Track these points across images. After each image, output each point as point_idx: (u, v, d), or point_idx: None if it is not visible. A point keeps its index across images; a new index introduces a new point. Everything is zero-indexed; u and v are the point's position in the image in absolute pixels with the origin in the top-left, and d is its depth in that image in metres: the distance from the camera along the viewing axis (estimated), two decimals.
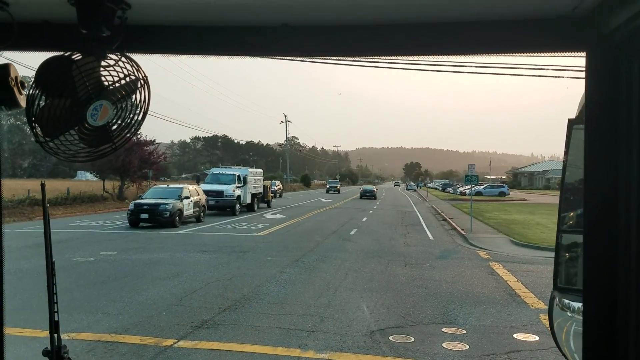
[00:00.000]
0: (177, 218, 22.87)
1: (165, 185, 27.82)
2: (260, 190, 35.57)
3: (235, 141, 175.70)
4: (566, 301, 2.03)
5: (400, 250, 17.40)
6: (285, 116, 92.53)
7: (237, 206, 30.32)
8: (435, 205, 45.60)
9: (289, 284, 11.30)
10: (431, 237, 21.68)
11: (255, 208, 33.82)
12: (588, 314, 1.36)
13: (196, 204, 25.20)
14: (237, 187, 30.61)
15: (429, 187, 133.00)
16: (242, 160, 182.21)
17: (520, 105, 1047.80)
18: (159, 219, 22.12)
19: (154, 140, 40.85)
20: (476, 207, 42.61)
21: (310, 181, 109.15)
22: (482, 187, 66.40)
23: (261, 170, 38.01)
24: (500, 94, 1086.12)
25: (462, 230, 23.67)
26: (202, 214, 26.01)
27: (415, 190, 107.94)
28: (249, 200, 32.54)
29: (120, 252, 15.34)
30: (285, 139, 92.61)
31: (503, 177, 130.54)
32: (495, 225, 25.88)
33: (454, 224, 27.18)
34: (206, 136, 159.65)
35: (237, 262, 13.99)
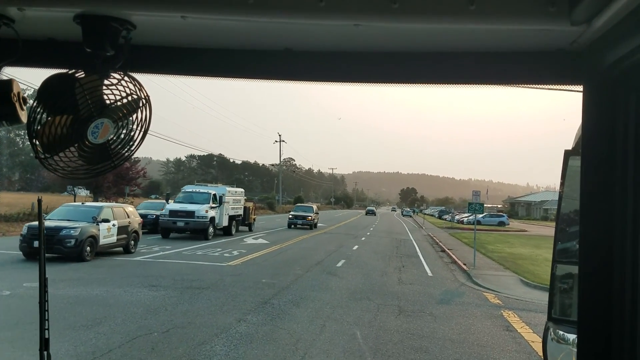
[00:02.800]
0: (88, 248, 16.93)
1: (79, 203, 22.08)
2: (240, 212, 32.06)
3: (231, 160, 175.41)
4: (561, 332, 1.98)
5: (394, 289, 14.62)
6: (280, 135, 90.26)
7: (211, 229, 26.72)
8: (433, 234, 42.87)
9: (243, 341, 8.47)
10: (430, 273, 18.88)
11: (233, 231, 30.38)
12: (583, 345, 1.37)
13: (123, 229, 18.94)
14: (212, 208, 27.20)
15: (425, 214, 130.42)
16: (236, 179, 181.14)
17: (517, 136, 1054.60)
18: (59, 248, 16.11)
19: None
20: (476, 237, 39.89)
21: (303, 203, 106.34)
22: (481, 216, 63.55)
23: (242, 189, 34.48)
24: (497, 124, 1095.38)
25: (464, 265, 20.90)
26: (132, 242, 19.56)
27: (410, 216, 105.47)
28: (225, 223, 29.08)
29: (49, 284, 12.49)
30: (279, 159, 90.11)
31: (499, 205, 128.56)
32: (500, 260, 23.14)
33: (454, 256, 24.41)
34: (202, 155, 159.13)
35: (188, 304, 11.15)
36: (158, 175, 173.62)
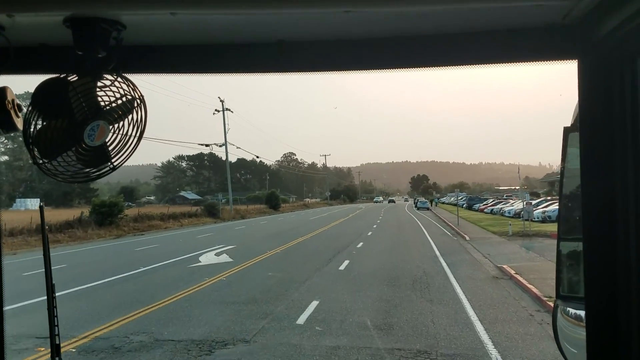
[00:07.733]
0: None
1: None
2: None
3: (223, 159, 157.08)
4: (569, 309, 2.02)
5: None
6: (222, 102, 62.22)
7: None
8: (519, 271, 17.76)
9: None
10: None
11: None
12: (590, 321, 1.37)
13: None
14: None
15: (443, 203, 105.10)
16: (230, 178, 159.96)
17: (524, 115, 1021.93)
18: None
19: None
20: None
21: (279, 202, 78.20)
22: (552, 208, 36.38)
23: None
24: (505, 104, 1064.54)
25: None
26: None
27: (428, 209, 77.84)
28: None
29: None
30: (224, 136, 63.96)
31: (516, 187, 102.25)
32: None
33: None
34: (190, 155, 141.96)
35: None
36: (153, 181, 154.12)
